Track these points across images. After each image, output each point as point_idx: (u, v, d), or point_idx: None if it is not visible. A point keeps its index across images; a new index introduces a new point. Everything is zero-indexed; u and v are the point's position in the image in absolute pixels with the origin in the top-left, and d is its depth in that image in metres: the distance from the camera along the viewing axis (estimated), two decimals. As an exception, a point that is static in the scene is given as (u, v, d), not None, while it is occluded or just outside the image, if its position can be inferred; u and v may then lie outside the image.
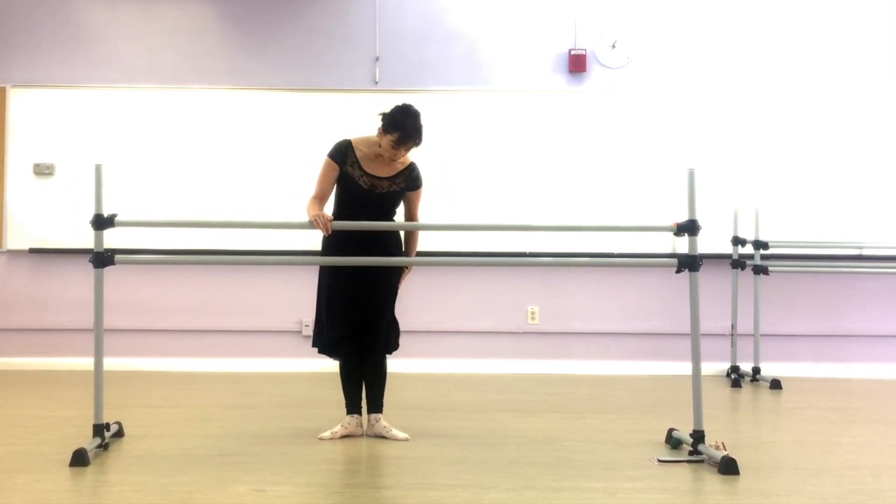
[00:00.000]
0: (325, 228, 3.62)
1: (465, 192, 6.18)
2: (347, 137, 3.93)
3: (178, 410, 4.65)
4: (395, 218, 4.02)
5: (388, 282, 3.93)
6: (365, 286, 3.85)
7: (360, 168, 3.85)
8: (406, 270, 4.06)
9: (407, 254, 4.03)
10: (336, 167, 3.85)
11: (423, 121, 3.80)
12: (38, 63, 6.27)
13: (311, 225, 3.65)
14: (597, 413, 4.68)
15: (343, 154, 3.86)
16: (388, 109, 3.81)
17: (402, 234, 4.03)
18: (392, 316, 4.01)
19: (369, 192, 3.84)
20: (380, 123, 3.82)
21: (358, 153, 3.86)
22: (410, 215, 4.03)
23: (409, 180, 3.92)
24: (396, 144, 3.75)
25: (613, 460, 3.56)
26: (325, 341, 3.94)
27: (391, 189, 3.88)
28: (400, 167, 3.90)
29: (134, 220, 4.20)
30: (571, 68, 6.32)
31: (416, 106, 3.88)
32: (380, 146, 3.81)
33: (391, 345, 4.04)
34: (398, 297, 4.02)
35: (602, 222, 6.08)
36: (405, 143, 3.76)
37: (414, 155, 3.96)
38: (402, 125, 3.74)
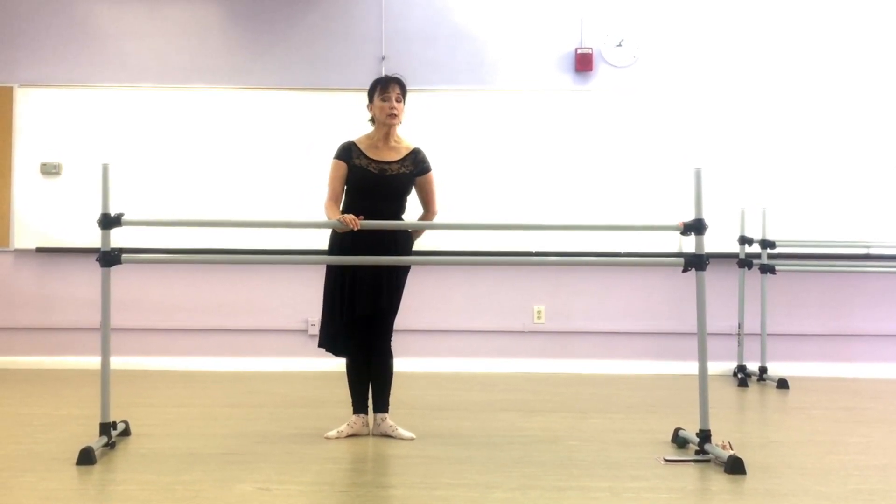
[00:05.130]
0: (355, 224, 3.62)
1: (471, 191, 6.17)
2: (347, 140, 3.99)
3: (184, 409, 4.66)
4: (404, 213, 4.01)
5: (393, 279, 3.91)
6: (370, 279, 3.84)
7: (367, 157, 3.90)
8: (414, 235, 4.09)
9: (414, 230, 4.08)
10: (343, 165, 3.89)
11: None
12: (44, 63, 6.29)
13: (341, 225, 3.63)
14: (602, 412, 4.68)
15: (348, 151, 3.92)
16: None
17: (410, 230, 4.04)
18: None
19: (380, 176, 3.87)
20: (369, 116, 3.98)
21: (361, 147, 3.94)
22: (426, 203, 4.04)
23: (417, 162, 3.95)
24: (383, 92, 3.86)
25: (619, 460, 3.55)
26: (329, 335, 3.92)
27: (401, 171, 3.91)
28: (405, 151, 3.95)
29: (141, 220, 4.20)
30: (578, 67, 6.31)
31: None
32: (379, 120, 3.89)
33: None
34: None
35: (608, 221, 6.07)
36: (390, 87, 3.87)
37: (414, 142, 4.03)
38: (379, 78, 3.93)
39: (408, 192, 3.97)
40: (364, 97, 4.02)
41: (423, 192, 4.02)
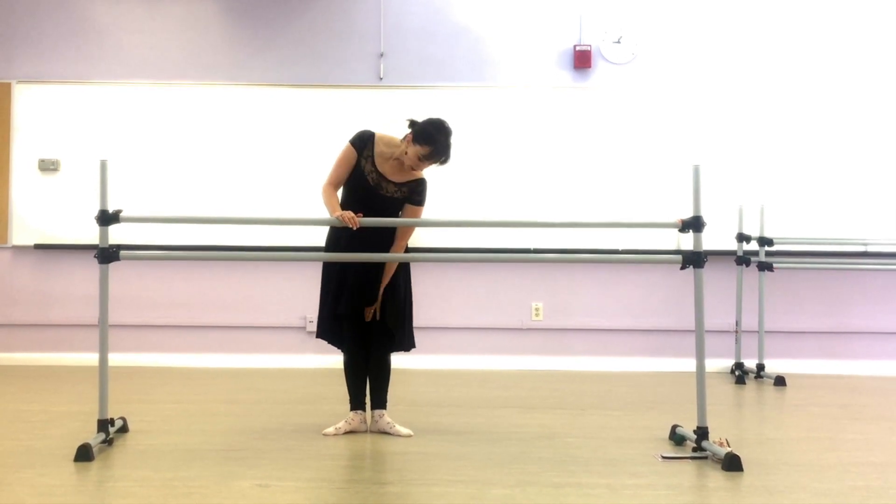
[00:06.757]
0: (354, 223, 3.60)
1: (469, 188, 6.17)
2: (372, 130, 3.88)
3: (182, 406, 4.66)
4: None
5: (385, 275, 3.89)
6: (362, 277, 3.82)
7: (373, 164, 3.81)
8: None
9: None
10: (355, 155, 3.80)
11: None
12: (42, 59, 6.28)
13: (339, 221, 3.60)
14: (600, 409, 4.68)
15: (363, 143, 3.82)
16: (419, 119, 3.77)
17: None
18: (403, 317, 3.96)
19: (374, 189, 3.81)
20: (408, 130, 3.77)
21: (376, 148, 3.82)
22: (401, 233, 3.89)
23: (414, 193, 3.84)
24: (424, 158, 3.70)
25: (617, 456, 3.55)
26: (325, 325, 3.92)
27: (395, 195, 3.83)
28: (410, 177, 3.83)
29: (139, 216, 4.21)
30: (576, 64, 6.31)
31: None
32: (405, 153, 3.74)
33: (405, 343, 3.98)
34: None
35: (607, 218, 6.07)
36: (433, 159, 3.71)
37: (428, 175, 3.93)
38: (435, 140, 3.69)
39: (397, 212, 3.87)
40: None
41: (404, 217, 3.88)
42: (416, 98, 6.09)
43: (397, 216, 3.88)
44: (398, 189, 3.83)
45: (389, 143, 3.84)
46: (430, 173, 3.98)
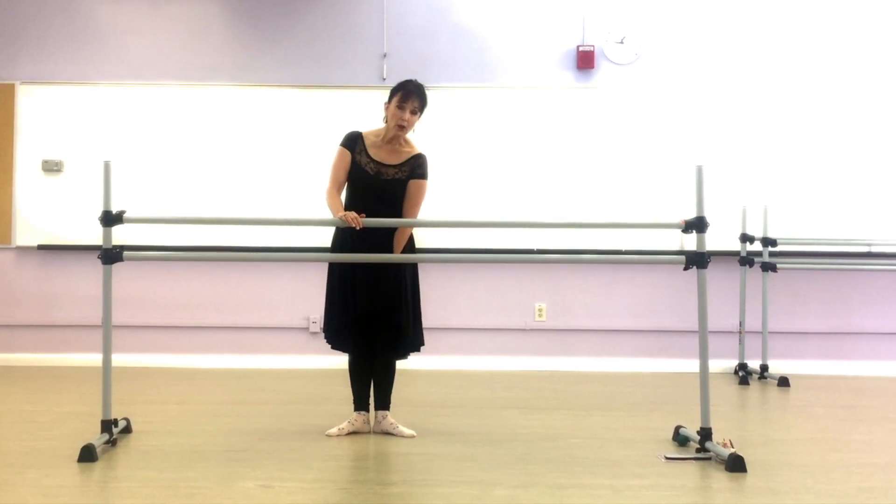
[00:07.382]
0: (357, 223, 3.62)
1: (472, 189, 6.17)
2: (358, 130, 3.96)
3: (185, 406, 4.66)
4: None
5: (392, 278, 3.89)
6: (369, 276, 3.83)
7: (368, 155, 3.87)
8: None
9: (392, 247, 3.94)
10: (348, 154, 3.86)
11: (430, 100, 3.88)
12: (46, 60, 6.29)
13: (342, 222, 3.63)
14: (604, 410, 4.68)
15: (353, 141, 3.89)
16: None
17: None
18: (413, 316, 3.98)
19: (375, 177, 3.84)
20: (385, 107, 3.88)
21: (367, 142, 3.90)
22: (407, 209, 3.89)
23: (415, 167, 3.88)
24: (401, 101, 3.78)
25: (620, 457, 3.55)
26: (332, 330, 3.93)
27: (397, 176, 3.87)
28: (406, 155, 3.89)
29: (142, 217, 4.20)
30: (579, 64, 6.31)
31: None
32: (387, 120, 3.83)
33: (415, 342, 4.01)
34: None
35: (610, 219, 6.06)
36: (409, 100, 3.79)
37: (421, 147, 3.96)
38: (405, 85, 3.83)
39: (403, 195, 3.89)
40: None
41: (408, 197, 3.88)
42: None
43: (403, 199, 3.90)
44: (398, 170, 3.87)
45: (377, 133, 3.93)
46: (434, 172, 4.00)
